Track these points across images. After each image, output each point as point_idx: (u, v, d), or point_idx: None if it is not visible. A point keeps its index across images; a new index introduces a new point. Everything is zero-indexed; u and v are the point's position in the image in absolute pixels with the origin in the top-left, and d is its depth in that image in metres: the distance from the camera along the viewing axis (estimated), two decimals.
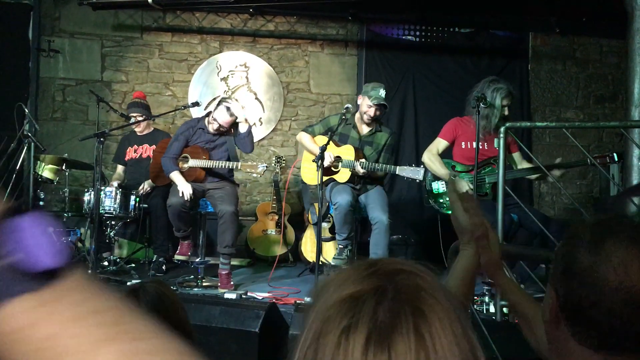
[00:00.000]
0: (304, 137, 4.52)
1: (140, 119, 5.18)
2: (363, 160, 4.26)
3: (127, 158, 5.31)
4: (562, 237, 1.04)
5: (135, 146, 5.29)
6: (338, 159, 4.34)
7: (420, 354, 0.57)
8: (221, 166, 4.43)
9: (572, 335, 0.97)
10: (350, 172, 4.29)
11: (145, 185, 4.93)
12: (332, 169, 4.32)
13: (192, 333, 1.43)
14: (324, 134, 4.45)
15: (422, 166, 4.05)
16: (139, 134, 5.34)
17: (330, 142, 4.16)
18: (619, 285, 0.90)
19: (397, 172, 4.08)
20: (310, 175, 4.49)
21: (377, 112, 4.35)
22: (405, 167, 4.05)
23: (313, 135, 4.50)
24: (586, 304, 0.93)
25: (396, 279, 0.62)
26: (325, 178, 4.27)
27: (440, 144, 4.27)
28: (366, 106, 4.34)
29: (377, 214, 4.18)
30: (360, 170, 4.19)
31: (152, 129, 5.40)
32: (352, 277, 0.64)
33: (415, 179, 4.02)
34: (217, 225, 4.39)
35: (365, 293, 0.61)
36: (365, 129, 4.47)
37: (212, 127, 4.50)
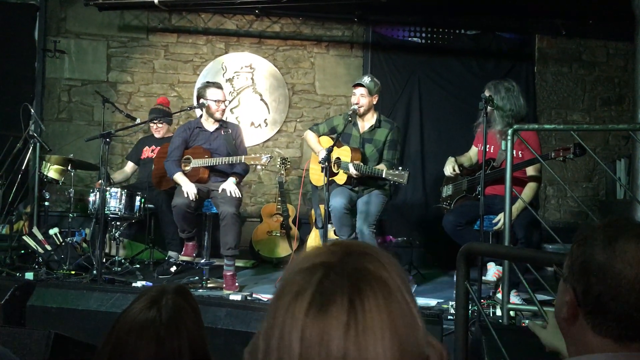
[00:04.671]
0: (309, 136, 4.51)
1: (159, 124, 5.30)
2: (357, 162, 4.13)
3: (143, 157, 5.33)
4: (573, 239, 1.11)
5: (154, 147, 5.30)
6: (338, 160, 4.26)
7: (351, 322, 0.66)
8: (224, 162, 4.42)
9: (591, 328, 1.04)
10: (346, 174, 4.17)
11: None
12: (333, 170, 4.26)
13: (205, 338, 1.42)
14: (328, 133, 4.45)
15: (407, 169, 3.81)
16: (157, 137, 5.38)
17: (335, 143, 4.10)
18: (635, 278, 1.00)
19: (383, 176, 3.86)
20: (316, 176, 4.47)
21: (362, 98, 4.25)
22: (391, 171, 3.84)
23: (318, 134, 4.48)
24: (606, 298, 1.01)
25: (347, 258, 0.72)
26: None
27: (471, 150, 4.34)
28: (353, 98, 4.31)
29: (359, 223, 4.13)
30: (353, 172, 4.05)
31: (171, 134, 5.40)
32: (316, 252, 0.75)
33: (401, 183, 3.80)
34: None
35: (318, 266, 0.71)
36: (366, 125, 4.35)
37: (217, 113, 4.52)
